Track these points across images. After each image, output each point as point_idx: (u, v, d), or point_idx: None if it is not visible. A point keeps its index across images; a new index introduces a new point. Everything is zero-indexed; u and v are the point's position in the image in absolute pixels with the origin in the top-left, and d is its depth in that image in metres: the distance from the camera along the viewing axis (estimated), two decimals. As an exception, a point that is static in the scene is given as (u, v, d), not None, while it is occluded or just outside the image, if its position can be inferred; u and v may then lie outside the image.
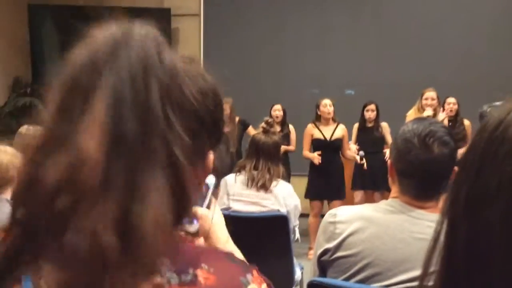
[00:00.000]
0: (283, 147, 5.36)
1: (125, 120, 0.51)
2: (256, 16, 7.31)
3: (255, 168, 2.76)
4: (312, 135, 5.19)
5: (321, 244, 1.45)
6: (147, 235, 0.50)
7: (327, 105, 5.12)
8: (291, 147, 5.63)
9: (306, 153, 5.22)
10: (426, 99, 4.96)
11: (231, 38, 7.35)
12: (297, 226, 2.89)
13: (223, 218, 0.98)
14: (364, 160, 5.08)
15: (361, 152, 5.10)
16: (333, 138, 5.12)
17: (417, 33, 6.85)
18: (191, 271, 0.57)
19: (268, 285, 0.63)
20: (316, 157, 5.05)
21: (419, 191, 1.39)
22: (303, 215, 4.66)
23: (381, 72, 6.87)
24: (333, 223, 1.43)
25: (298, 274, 2.97)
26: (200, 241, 0.86)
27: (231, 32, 7.37)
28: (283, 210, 2.75)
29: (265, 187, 2.72)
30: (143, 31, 0.56)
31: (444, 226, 0.51)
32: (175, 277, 0.56)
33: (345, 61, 7.06)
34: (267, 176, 2.73)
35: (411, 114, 4.99)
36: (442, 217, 0.52)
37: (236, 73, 7.23)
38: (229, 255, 0.63)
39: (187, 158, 0.55)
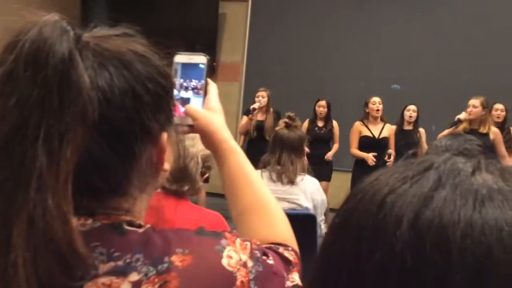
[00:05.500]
0: (329, 154, 5.36)
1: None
2: (305, 6, 7.20)
3: (279, 162, 2.75)
4: (360, 132, 5.13)
5: None
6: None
7: (376, 103, 5.09)
8: (335, 146, 5.57)
9: (356, 151, 5.12)
10: (468, 106, 4.80)
11: (278, 27, 7.28)
12: (323, 221, 2.87)
13: (222, 115, 0.85)
14: (391, 159, 4.92)
15: (390, 151, 4.96)
16: (381, 136, 5.07)
17: (472, 32, 6.52)
18: (166, 259, 0.59)
19: (243, 240, 0.66)
20: (370, 157, 4.95)
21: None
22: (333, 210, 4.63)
23: (430, 68, 6.63)
24: None
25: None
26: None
27: (278, 21, 7.30)
28: (310, 206, 2.73)
29: (290, 181, 2.72)
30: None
31: None
32: (151, 269, 0.57)
33: (394, 55, 6.85)
34: (291, 168, 2.72)
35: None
36: None
37: (280, 63, 7.19)
38: (200, 231, 0.65)
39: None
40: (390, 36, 6.88)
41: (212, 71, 7.42)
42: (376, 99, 5.12)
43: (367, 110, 5.18)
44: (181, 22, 7.08)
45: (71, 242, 0.52)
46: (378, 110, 5.08)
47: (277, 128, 2.95)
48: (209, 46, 7.26)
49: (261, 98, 5.50)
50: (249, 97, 6.31)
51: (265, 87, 5.67)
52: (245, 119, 5.60)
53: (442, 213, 0.36)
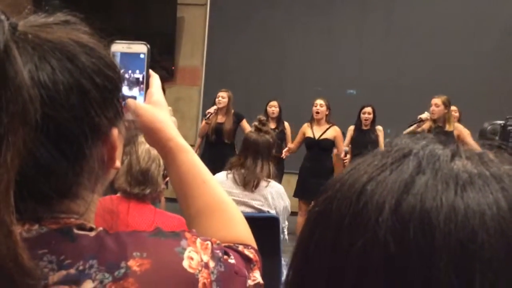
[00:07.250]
0: (284, 151, 5.41)
1: None
2: (263, 10, 7.25)
3: (245, 166, 2.72)
4: (304, 134, 5.31)
5: None
6: None
7: (317, 105, 5.24)
8: (289, 146, 5.61)
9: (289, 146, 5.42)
10: (431, 105, 4.92)
11: (236, 31, 7.29)
12: (286, 227, 2.86)
13: (166, 109, 0.77)
14: (348, 156, 5.06)
15: (345, 148, 5.11)
16: (322, 137, 5.19)
17: (426, 36, 6.77)
18: (123, 264, 0.55)
19: (203, 239, 0.64)
20: (284, 151, 5.25)
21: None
22: (293, 213, 4.66)
23: (385, 73, 6.82)
24: None
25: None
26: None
27: (236, 24, 7.31)
28: (272, 212, 2.71)
29: (254, 186, 2.69)
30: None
31: None
32: (107, 276, 0.54)
33: (350, 61, 6.99)
34: (257, 175, 2.70)
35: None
36: None
37: (239, 66, 7.19)
38: (157, 232, 0.61)
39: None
40: (348, 41, 7.02)
41: (170, 75, 7.38)
42: (318, 101, 5.26)
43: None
44: (139, 26, 6.99)
45: (17, 257, 0.47)
46: (318, 112, 5.22)
47: (247, 131, 2.92)
48: (168, 50, 7.20)
49: (221, 98, 5.38)
50: (209, 101, 6.25)
51: (225, 89, 5.57)
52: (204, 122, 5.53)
53: (424, 198, 0.36)
